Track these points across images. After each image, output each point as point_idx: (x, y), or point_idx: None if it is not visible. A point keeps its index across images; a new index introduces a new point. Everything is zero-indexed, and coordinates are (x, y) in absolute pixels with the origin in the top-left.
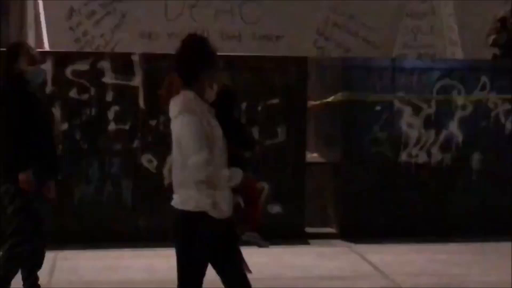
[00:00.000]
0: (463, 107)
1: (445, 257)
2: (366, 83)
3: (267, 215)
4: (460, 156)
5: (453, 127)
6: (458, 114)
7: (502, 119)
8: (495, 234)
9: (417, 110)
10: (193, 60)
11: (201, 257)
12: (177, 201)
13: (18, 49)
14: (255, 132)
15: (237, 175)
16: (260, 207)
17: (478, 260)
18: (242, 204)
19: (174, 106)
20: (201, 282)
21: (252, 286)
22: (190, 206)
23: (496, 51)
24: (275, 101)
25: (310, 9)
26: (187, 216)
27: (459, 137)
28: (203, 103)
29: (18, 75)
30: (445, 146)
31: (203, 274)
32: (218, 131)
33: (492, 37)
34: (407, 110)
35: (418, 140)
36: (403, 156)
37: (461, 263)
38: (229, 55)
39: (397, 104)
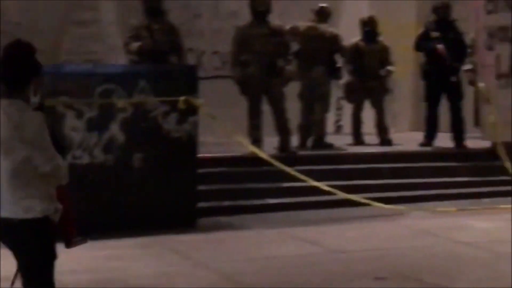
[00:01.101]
0: (124, 110)
1: (108, 252)
2: None
3: None
4: (122, 155)
5: (115, 128)
6: (119, 116)
7: (160, 119)
8: (157, 228)
9: (80, 113)
10: (21, 68)
11: (49, 258)
12: (17, 211)
13: None
14: None
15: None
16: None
17: (139, 254)
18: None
19: (10, 117)
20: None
21: None
22: (34, 213)
23: (134, 57)
24: None
25: None
26: (31, 224)
27: (121, 138)
28: (32, 110)
29: None
30: (108, 147)
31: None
32: None
33: (136, 44)
34: (70, 114)
35: (81, 143)
36: (68, 158)
37: (123, 258)
38: None
39: (60, 108)
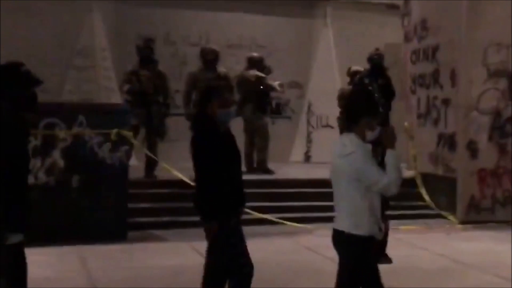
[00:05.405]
0: (64, 140)
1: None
2: None
3: None
4: (62, 178)
5: (56, 155)
6: (60, 145)
7: (96, 148)
8: (92, 238)
9: None
10: (358, 108)
11: (368, 275)
12: (348, 226)
13: (211, 92)
14: None
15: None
16: None
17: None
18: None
19: (344, 147)
20: None
21: None
22: (362, 231)
23: (127, 97)
24: None
25: None
26: (357, 240)
27: (61, 163)
28: (363, 143)
29: (210, 117)
30: (50, 171)
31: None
32: None
33: (127, 86)
34: None
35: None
36: None
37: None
38: None
39: None
